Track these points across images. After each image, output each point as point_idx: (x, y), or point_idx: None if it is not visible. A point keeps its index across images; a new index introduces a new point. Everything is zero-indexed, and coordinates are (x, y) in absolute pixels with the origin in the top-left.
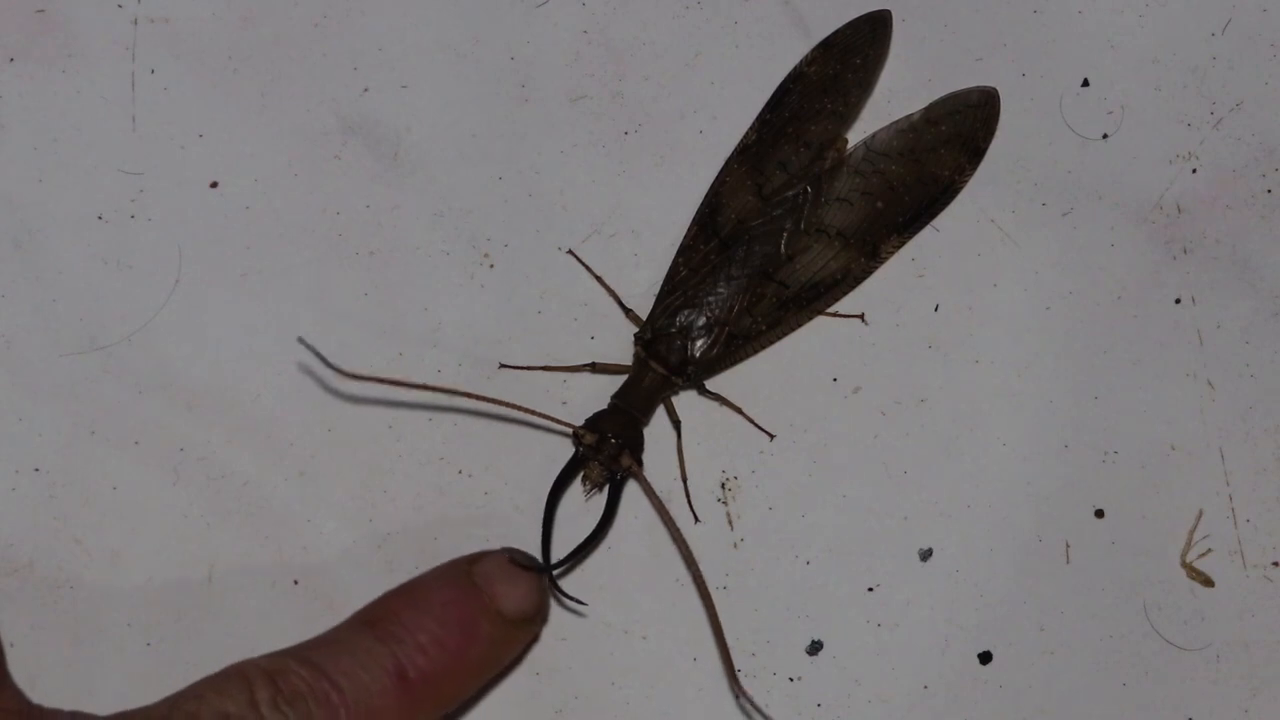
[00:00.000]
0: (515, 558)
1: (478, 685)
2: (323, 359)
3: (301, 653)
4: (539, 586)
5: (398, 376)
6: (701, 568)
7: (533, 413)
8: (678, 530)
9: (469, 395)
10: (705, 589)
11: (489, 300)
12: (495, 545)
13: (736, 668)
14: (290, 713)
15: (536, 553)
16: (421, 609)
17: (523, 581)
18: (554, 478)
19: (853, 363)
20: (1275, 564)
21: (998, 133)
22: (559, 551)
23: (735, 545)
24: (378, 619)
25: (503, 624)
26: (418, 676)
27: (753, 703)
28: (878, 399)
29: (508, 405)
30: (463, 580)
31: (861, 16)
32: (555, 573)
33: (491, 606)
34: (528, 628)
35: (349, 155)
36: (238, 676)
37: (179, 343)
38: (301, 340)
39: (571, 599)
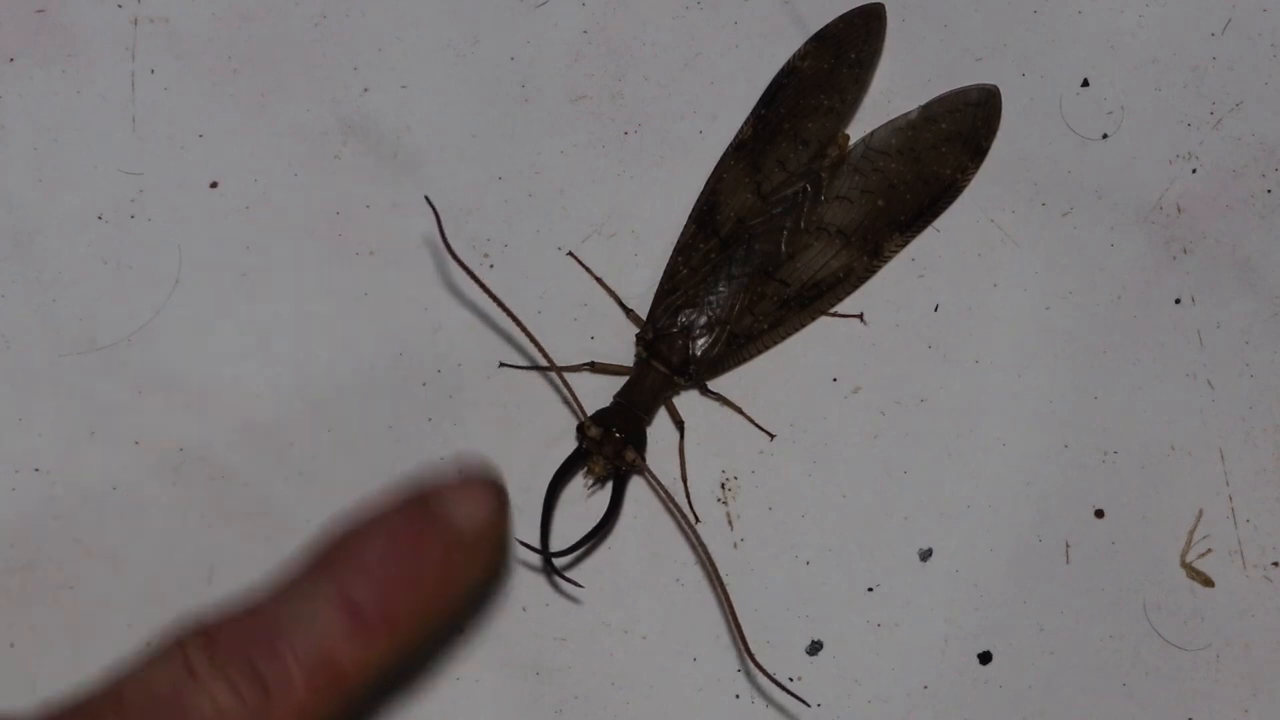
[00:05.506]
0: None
1: (439, 615)
2: (441, 229)
3: (242, 602)
4: (495, 500)
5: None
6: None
7: (559, 368)
8: (684, 519)
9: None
10: (716, 572)
11: (489, 300)
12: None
13: (750, 647)
14: (231, 671)
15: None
16: (368, 536)
17: (477, 495)
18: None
19: (853, 363)
20: (1275, 564)
21: (997, 133)
22: (560, 544)
23: (735, 545)
24: (321, 552)
25: (459, 544)
26: (371, 609)
27: (765, 672)
28: (878, 399)
29: (540, 350)
30: (412, 502)
31: (855, 9)
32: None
33: (446, 526)
34: (487, 547)
35: (349, 155)
36: (171, 642)
37: (179, 343)
38: (428, 200)
39: (569, 580)
